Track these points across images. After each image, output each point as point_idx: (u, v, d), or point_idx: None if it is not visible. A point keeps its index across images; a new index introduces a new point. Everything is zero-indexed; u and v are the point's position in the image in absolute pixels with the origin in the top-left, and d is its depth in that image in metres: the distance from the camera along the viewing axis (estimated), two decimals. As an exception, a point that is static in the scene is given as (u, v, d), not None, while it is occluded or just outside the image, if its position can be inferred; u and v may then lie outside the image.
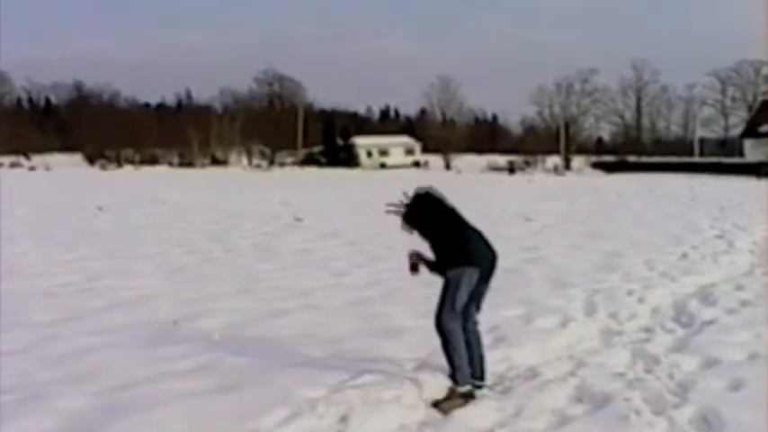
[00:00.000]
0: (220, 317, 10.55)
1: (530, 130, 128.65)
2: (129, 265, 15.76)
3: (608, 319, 10.63)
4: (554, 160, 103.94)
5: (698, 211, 28.35)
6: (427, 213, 7.50)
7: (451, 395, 7.33)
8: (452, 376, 7.41)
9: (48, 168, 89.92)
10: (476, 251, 7.49)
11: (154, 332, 9.77)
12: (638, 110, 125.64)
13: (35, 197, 38.83)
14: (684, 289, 12.79)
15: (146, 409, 6.70)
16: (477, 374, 7.63)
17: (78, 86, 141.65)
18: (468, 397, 7.34)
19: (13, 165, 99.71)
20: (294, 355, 8.40)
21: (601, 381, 7.78)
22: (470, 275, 7.36)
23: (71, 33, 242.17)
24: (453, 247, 7.45)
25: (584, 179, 73.02)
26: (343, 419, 6.61)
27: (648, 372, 8.19)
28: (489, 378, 7.82)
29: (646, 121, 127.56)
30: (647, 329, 10.17)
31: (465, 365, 7.39)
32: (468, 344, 7.54)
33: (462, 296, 7.34)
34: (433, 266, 7.59)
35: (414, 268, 7.66)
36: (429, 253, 7.57)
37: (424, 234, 7.51)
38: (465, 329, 7.53)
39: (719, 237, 19.88)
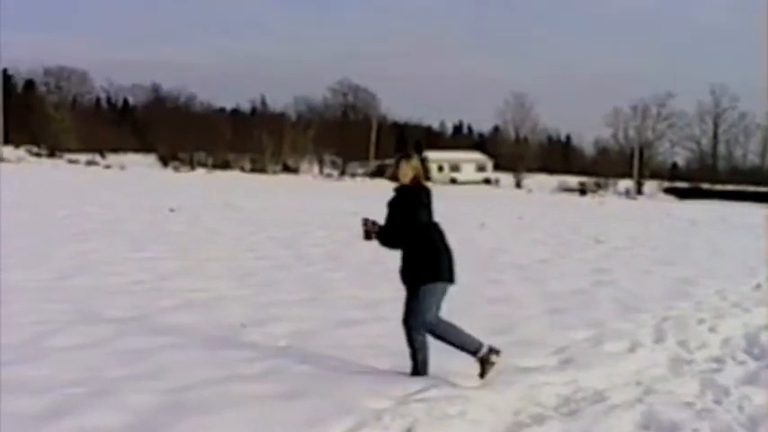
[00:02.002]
0: (289, 323, 10.59)
1: (603, 152, 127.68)
2: (200, 267, 15.90)
3: (677, 347, 10.49)
4: (626, 184, 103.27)
5: (773, 242, 27.91)
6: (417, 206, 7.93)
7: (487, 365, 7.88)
8: (477, 352, 7.88)
9: (122, 168, 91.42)
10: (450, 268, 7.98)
11: (222, 334, 9.84)
12: (715, 136, 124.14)
13: (109, 195, 39.36)
14: (757, 320, 12.57)
15: (212, 411, 6.73)
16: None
17: (156, 89, 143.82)
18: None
19: (89, 163, 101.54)
20: (361, 365, 8.42)
21: (668, 409, 7.68)
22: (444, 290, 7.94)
23: (151, 37, 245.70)
24: (434, 256, 7.93)
25: (656, 204, 72.32)
26: (408, 432, 6.60)
27: (718, 403, 8.06)
28: (552, 399, 7.78)
29: (722, 149, 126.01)
30: (718, 360, 10.01)
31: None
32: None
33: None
34: (381, 236, 8.05)
35: (368, 236, 8.05)
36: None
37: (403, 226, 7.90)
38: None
39: (795, 269, 19.54)
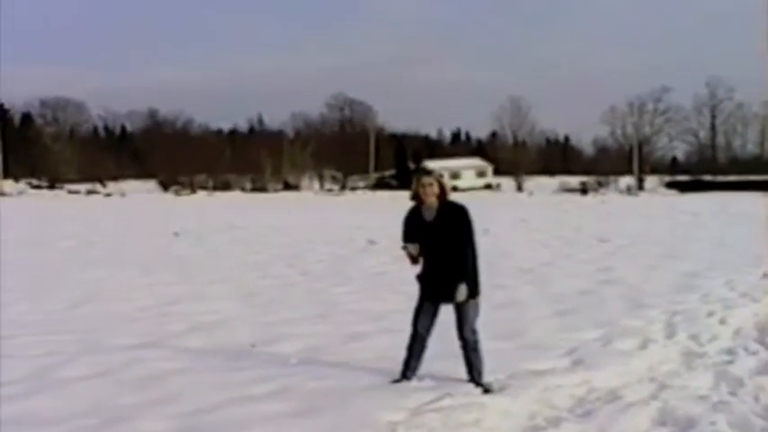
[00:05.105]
0: (298, 340, 10.57)
1: (602, 150, 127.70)
2: (206, 290, 15.88)
3: (689, 341, 10.47)
4: (627, 181, 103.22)
5: (777, 231, 27.86)
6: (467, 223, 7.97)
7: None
8: (479, 378, 8.03)
9: (123, 195, 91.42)
10: None
11: (232, 356, 9.81)
12: (713, 128, 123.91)
13: (112, 223, 39.37)
14: (767, 309, 12.55)
15: (226, 433, 6.72)
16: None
17: (152, 114, 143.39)
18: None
19: (89, 192, 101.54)
20: (373, 378, 8.38)
21: (684, 404, 7.67)
22: None
23: (145, 62, 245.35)
24: (474, 270, 8.00)
25: (658, 199, 72.35)
26: (424, 443, 6.58)
27: (733, 394, 8.06)
28: (566, 401, 7.76)
29: (721, 140, 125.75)
30: (730, 351, 10.00)
31: None
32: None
33: None
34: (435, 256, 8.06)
35: (415, 260, 8.11)
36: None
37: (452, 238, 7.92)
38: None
39: (801, 256, 19.50)
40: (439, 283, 7.98)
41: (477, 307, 8.02)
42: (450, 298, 7.96)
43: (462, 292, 7.81)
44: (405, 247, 8.04)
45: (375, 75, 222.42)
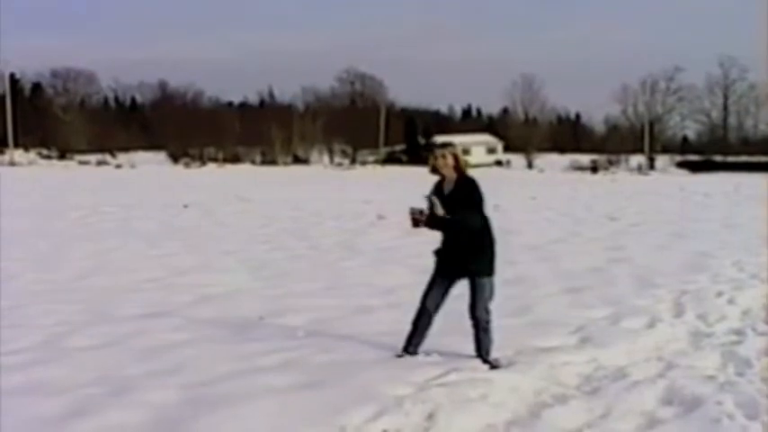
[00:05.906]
0: (305, 313, 10.58)
1: (613, 129, 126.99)
2: (215, 262, 15.90)
3: (697, 321, 10.44)
4: (638, 159, 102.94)
5: (788, 212, 27.75)
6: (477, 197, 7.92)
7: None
8: (486, 357, 8.04)
9: (133, 166, 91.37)
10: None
11: (239, 328, 9.82)
12: (725, 108, 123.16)
13: (121, 194, 39.40)
14: (776, 290, 12.51)
15: (232, 404, 6.72)
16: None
17: (163, 86, 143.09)
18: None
19: (99, 163, 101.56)
20: (380, 352, 8.37)
21: (691, 383, 7.63)
22: None
23: (156, 34, 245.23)
24: (492, 248, 8.03)
25: (668, 178, 72.20)
26: (430, 417, 6.57)
27: (740, 375, 8.03)
28: (573, 378, 7.76)
29: (733, 120, 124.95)
30: (738, 332, 9.94)
31: None
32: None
33: None
34: (434, 224, 7.96)
35: (416, 224, 7.97)
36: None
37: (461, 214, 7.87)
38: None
39: (811, 238, 19.42)
40: (454, 258, 7.97)
41: (492, 286, 8.00)
42: (464, 274, 7.96)
43: (438, 207, 7.81)
44: (411, 210, 7.99)
45: (386, 50, 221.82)
